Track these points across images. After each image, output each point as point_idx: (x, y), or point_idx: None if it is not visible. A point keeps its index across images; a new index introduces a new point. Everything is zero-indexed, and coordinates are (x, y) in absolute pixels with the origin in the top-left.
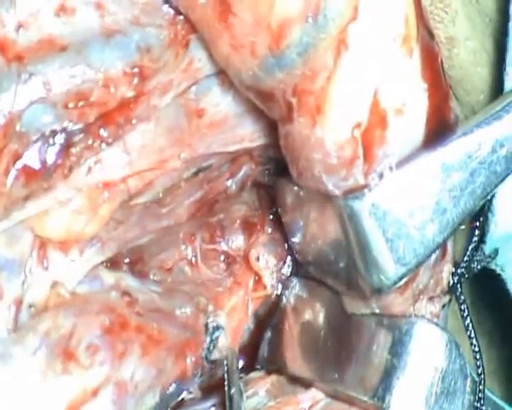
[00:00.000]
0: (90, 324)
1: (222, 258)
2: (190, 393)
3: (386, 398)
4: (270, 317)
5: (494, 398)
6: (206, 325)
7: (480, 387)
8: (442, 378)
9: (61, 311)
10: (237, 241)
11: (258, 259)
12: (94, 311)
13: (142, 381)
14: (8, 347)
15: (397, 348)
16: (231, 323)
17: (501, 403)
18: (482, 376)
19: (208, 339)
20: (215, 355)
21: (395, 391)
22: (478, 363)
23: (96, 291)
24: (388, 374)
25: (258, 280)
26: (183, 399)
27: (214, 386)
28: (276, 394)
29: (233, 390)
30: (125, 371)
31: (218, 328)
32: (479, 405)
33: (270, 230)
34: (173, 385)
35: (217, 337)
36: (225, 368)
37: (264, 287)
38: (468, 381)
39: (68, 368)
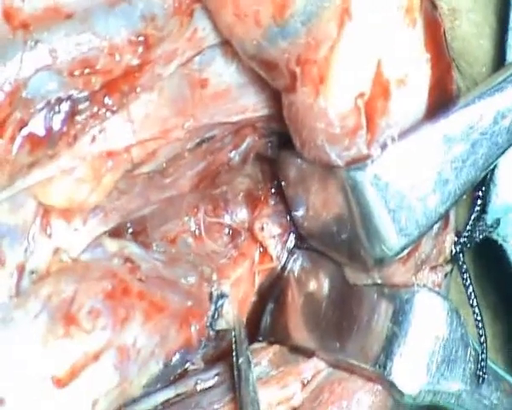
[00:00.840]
0: (92, 289)
1: (226, 231)
2: (193, 364)
3: (388, 366)
4: (272, 288)
5: (496, 368)
6: (211, 294)
7: (483, 356)
8: (443, 347)
9: (63, 276)
10: (241, 214)
11: (262, 229)
12: (96, 277)
13: (145, 347)
14: (10, 311)
15: (398, 317)
16: (237, 293)
17: (503, 373)
18: (484, 345)
19: (213, 307)
20: (220, 325)
21: (396, 359)
22: (480, 332)
23: (99, 258)
24: (390, 342)
25: (264, 252)
26: (186, 369)
27: (217, 357)
28: (278, 363)
29: (241, 360)
30: (127, 337)
31: (222, 296)
32: (481, 373)
33: (273, 202)
34: (177, 355)
35: (221, 305)
36: (233, 339)
37: (270, 258)
38: (470, 350)
39: (70, 332)
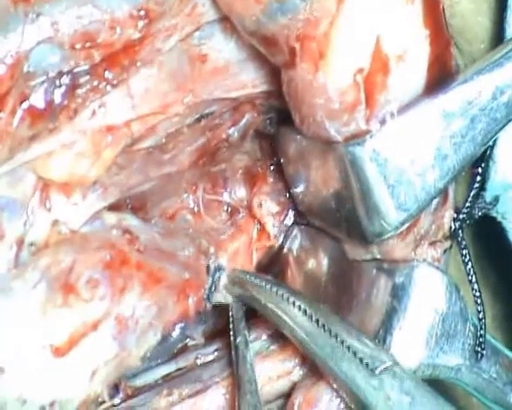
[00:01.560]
0: (91, 259)
1: (224, 208)
2: (194, 340)
3: (387, 339)
4: (271, 267)
5: (495, 342)
6: (208, 266)
7: (481, 332)
8: (442, 321)
9: (62, 247)
10: (240, 192)
11: (260, 206)
12: (94, 247)
13: (143, 318)
14: (9, 282)
15: (397, 291)
16: (234, 264)
17: (501, 348)
18: (483, 321)
19: (210, 280)
20: (217, 298)
21: (396, 333)
22: (479, 308)
23: (97, 230)
24: (389, 316)
25: (262, 229)
26: (186, 345)
27: (217, 333)
28: (278, 338)
29: (239, 339)
30: (125, 307)
31: (219, 268)
32: (479, 349)
33: (272, 180)
34: (177, 330)
35: (218, 278)
36: (230, 318)
37: (268, 236)
38: (469, 324)
39: (68, 301)
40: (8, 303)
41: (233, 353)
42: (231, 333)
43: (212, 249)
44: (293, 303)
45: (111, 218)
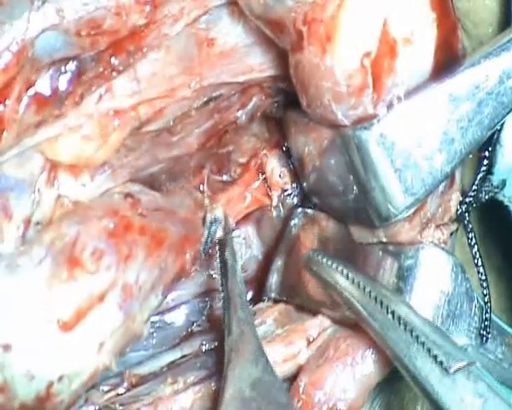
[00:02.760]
0: (94, 228)
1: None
2: (199, 326)
3: None
4: (276, 248)
5: (501, 323)
6: (204, 218)
7: (486, 315)
8: (448, 301)
9: (65, 220)
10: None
11: (267, 165)
12: (97, 216)
13: (146, 282)
14: (15, 258)
15: (403, 272)
16: (229, 212)
17: (507, 328)
18: (488, 304)
19: (206, 232)
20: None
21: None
22: (484, 292)
23: (99, 196)
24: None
25: (262, 186)
26: (191, 331)
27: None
28: (283, 322)
29: (227, 252)
30: (130, 274)
31: (215, 220)
32: (484, 333)
33: (278, 160)
34: (182, 316)
35: (214, 230)
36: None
37: (266, 193)
38: (474, 304)
39: (74, 274)
40: (15, 280)
41: (221, 269)
42: (217, 248)
43: (206, 201)
44: (373, 298)
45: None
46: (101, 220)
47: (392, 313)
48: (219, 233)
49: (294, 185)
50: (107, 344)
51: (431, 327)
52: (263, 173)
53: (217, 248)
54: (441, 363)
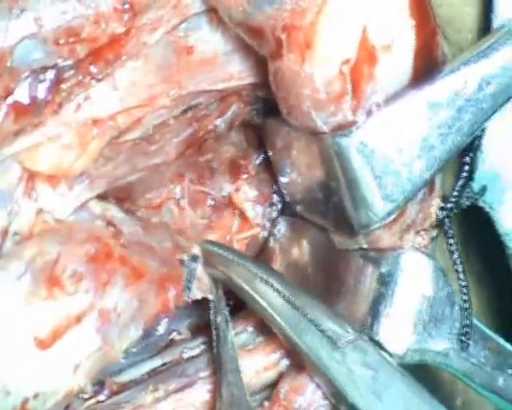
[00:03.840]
0: (76, 251)
1: (208, 202)
2: (180, 334)
3: (375, 326)
4: (257, 259)
5: (483, 327)
6: (182, 259)
7: (467, 322)
8: (430, 306)
9: (47, 238)
10: (225, 186)
11: (237, 191)
12: (80, 239)
13: (125, 312)
14: None
15: (384, 277)
16: None
17: (489, 332)
18: (469, 310)
19: (186, 270)
20: (197, 293)
21: (383, 319)
22: (465, 298)
23: (82, 220)
24: (377, 303)
25: (243, 219)
26: (172, 339)
27: (203, 327)
28: (264, 330)
29: (219, 319)
30: (108, 301)
31: (194, 258)
32: (465, 339)
33: (257, 170)
34: (163, 324)
35: (194, 269)
36: (211, 298)
37: (250, 224)
38: (456, 309)
39: (53, 294)
40: None
41: (213, 333)
42: (211, 312)
43: (184, 243)
44: (261, 279)
45: (96, 207)
46: (83, 244)
47: (284, 295)
48: (200, 273)
49: (274, 199)
50: (83, 366)
51: (320, 305)
52: (238, 210)
53: (211, 311)
54: (329, 338)
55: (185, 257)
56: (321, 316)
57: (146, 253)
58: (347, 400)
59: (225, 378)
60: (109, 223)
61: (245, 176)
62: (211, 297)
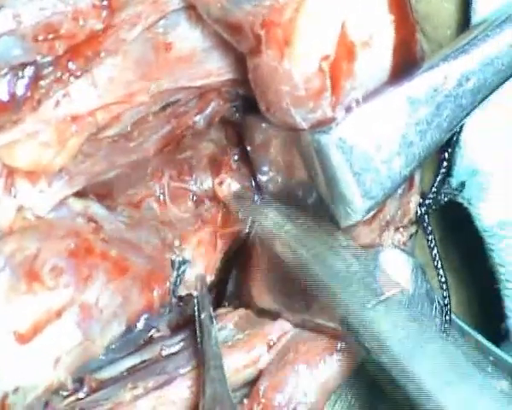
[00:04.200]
0: (55, 247)
1: (190, 197)
2: (159, 331)
3: None
4: (237, 254)
5: (461, 323)
6: (172, 261)
7: (446, 318)
8: (409, 303)
9: (27, 234)
10: (205, 181)
11: (221, 184)
12: (59, 235)
13: (107, 307)
14: None
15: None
16: (199, 258)
17: (468, 329)
18: (448, 306)
19: (175, 274)
20: (183, 291)
21: None
22: (444, 294)
23: (62, 217)
24: None
25: (226, 213)
26: (151, 336)
27: (183, 324)
28: (244, 327)
29: (203, 315)
30: (89, 296)
31: (184, 262)
32: (444, 335)
33: (236, 166)
34: (141, 320)
35: (183, 272)
36: (195, 295)
37: (233, 220)
38: (435, 306)
39: (32, 288)
40: None
41: (197, 329)
42: (195, 309)
43: (176, 243)
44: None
45: (76, 204)
46: (62, 240)
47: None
48: (188, 275)
49: (255, 192)
50: (63, 361)
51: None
52: (222, 204)
53: (194, 307)
54: (374, 290)
55: (175, 258)
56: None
57: (129, 249)
58: (389, 352)
59: (208, 375)
60: (90, 219)
61: (225, 171)
62: (195, 294)
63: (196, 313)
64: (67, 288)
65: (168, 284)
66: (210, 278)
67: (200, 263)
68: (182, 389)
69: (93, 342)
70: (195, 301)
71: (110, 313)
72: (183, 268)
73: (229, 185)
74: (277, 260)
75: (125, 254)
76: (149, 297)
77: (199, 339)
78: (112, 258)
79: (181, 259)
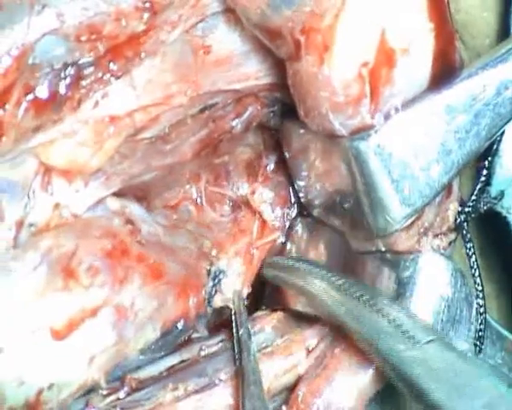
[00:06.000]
0: (92, 246)
1: (227, 202)
2: (197, 332)
3: None
4: None
5: (500, 328)
6: (209, 270)
7: (481, 326)
8: (448, 307)
9: (63, 231)
10: (242, 186)
11: (253, 194)
12: (96, 235)
13: (142, 310)
14: (8, 262)
15: (403, 278)
16: (236, 269)
17: (507, 333)
18: (484, 315)
19: (210, 283)
20: (218, 302)
21: None
22: (480, 302)
23: (99, 216)
24: None
25: (262, 223)
26: (190, 337)
27: (221, 325)
28: (282, 330)
29: (241, 331)
30: (125, 297)
31: (220, 272)
32: (478, 343)
33: (274, 173)
34: (178, 325)
35: (219, 281)
36: (232, 311)
37: (269, 229)
38: (474, 310)
39: (68, 285)
40: (8, 284)
41: (235, 345)
42: (233, 326)
43: (213, 252)
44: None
45: (114, 203)
46: (99, 240)
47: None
48: (224, 285)
49: (291, 201)
50: (97, 359)
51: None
52: (257, 213)
53: (233, 323)
54: (411, 337)
55: (211, 267)
56: (400, 315)
57: (166, 254)
58: (429, 396)
59: (248, 390)
60: (127, 220)
61: (262, 178)
62: (231, 307)
63: (234, 330)
64: (103, 288)
65: (203, 292)
66: (247, 291)
67: (236, 275)
68: (223, 396)
69: (126, 345)
70: (233, 317)
71: (145, 316)
72: (218, 278)
73: (262, 195)
74: None
75: (161, 258)
76: (185, 305)
77: (237, 356)
78: (147, 261)
79: (217, 268)
